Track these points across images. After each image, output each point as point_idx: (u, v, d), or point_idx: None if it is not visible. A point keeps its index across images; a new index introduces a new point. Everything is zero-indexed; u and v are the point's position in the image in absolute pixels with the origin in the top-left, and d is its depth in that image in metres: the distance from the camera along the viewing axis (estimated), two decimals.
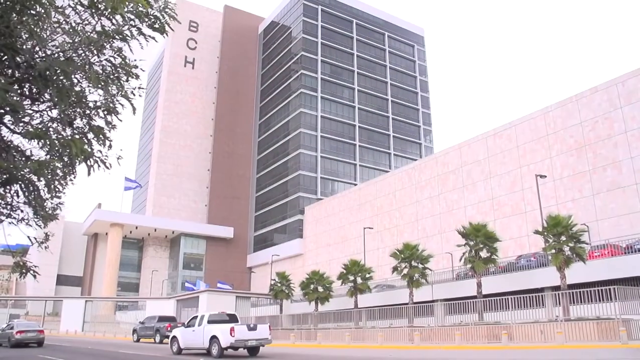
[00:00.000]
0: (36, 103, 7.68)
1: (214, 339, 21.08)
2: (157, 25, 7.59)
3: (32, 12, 5.92)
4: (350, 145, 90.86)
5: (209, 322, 22.32)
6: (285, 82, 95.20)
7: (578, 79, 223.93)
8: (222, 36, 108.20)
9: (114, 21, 6.84)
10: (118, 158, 8.64)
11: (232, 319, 23.50)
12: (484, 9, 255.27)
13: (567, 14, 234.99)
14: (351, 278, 41.21)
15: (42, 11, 5.99)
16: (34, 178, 8.06)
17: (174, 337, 24.16)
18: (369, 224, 63.31)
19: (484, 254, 32.14)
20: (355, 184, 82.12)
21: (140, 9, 7.10)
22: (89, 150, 7.98)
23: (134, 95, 8.70)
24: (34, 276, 10.89)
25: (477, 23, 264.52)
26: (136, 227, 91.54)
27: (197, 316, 23.71)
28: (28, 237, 11.58)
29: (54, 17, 6.66)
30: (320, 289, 44.32)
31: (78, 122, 8.52)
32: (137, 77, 8.27)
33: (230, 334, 20.42)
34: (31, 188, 8.25)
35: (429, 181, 59.60)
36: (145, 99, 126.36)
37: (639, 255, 30.21)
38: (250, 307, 53.38)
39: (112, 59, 7.49)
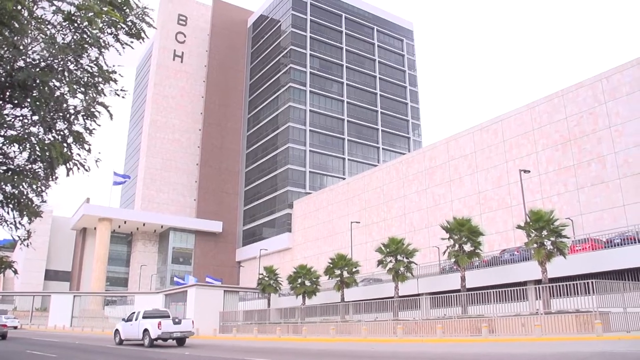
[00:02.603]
0: (18, 108, 7.85)
1: (145, 331, 24.48)
2: (133, 32, 7.77)
3: (10, 27, 6.06)
4: (339, 139, 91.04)
5: (144, 317, 25.49)
6: (274, 76, 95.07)
7: (566, 74, 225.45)
8: (211, 30, 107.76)
9: (89, 32, 7.00)
10: (97, 161, 8.86)
11: (164, 314, 26.77)
12: (473, 4, 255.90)
13: (556, 8, 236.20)
14: (337, 272, 41.45)
15: (19, 27, 6.14)
16: (15, 190, 8.27)
17: (117, 329, 27.27)
18: (357, 218, 63.59)
19: (468, 248, 32.47)
20: (344, 178, 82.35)
21: (115, 19, 7.26)
22: (69, 154, 8.18)
23: (118, 95, 8.89)
24: (14, 272, 11.08)
25: (465, 17, 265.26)
26: (125, 222, 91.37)
27: (135, 312, 26.80)
28: (11, 235, 11.79)
29: (33, 25, 6.82)
30: (307, 283, 44.54)
31: (60, 125, 8.70)
32: (116, 81, 8.45)
33: (158, 327, 24.08)
34: (13, 200, 8.45)
35: (416, 175, 59.97)
36: (133, 93, 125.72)
37: (618, 249, 30.77)
38: (238, 301, 53.50)
39: (89, 67, 7.67)
